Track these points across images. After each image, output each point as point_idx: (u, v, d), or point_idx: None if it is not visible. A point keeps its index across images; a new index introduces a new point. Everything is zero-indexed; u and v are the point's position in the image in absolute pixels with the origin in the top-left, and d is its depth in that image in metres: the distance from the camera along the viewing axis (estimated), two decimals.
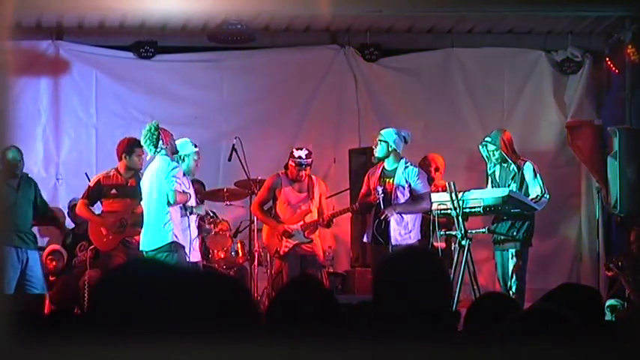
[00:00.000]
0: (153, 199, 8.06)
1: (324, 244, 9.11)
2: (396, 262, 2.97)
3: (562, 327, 2.58)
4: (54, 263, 9.53)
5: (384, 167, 8.44)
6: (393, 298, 2.82)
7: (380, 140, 8.41)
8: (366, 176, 8.58)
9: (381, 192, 8.23)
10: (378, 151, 8.41)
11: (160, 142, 8.04)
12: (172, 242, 7.92)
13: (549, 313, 2.59)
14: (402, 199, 8.31)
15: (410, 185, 8.34)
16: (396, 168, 8.39)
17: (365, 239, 8.48)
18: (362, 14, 10.10)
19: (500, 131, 8.93)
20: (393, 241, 8.25)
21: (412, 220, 8.36)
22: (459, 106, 10.81)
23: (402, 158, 8.42)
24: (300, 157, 8.69)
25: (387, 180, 8.36)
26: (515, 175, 8.76)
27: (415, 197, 8.36)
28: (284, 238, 8.67)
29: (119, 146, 8.68)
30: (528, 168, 8.79)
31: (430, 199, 8.40)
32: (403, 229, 8.29)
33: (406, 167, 8.41)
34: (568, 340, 2.56)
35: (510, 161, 8.81)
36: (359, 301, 8.34)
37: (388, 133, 8.44)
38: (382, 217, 8.21)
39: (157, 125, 8.14)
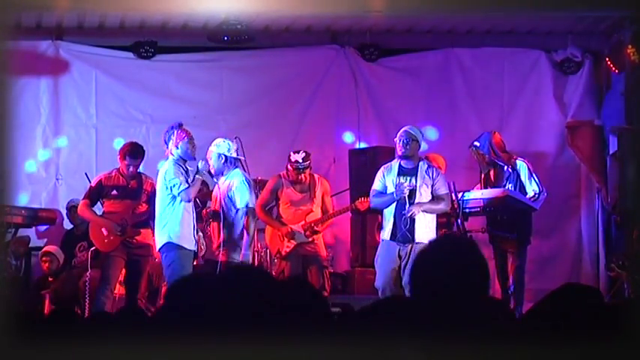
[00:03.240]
0: (156, 201, 8.12)
1: (324, 244, 9.08)
2: (437, 253, 2.92)
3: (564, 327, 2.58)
4: (47, 265, 9.55)
5: (401, 165, 8.31)
6: (434, 289, 2.78)
7: (412, 139, 8.27)
8: (380, 173, 8.39)
9: (408, 188, 8.12)
10: (410, 149, 8.21)
11: (170, 142, 8.04)
12: (167, 243, 7.95)
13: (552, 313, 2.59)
14: (424, 198, 8.22)
15: (432, 185, 8.24)
16: (417, 167, 8.28)
17: (385, 237, 8.28)
18: (362, 14, 10.09)
19: (490, 134, 8.93)
20: (417, 239, 8.14)
21: (433, 220, 8.27)
22: (459, 106, 10.81)
23: (421, 158, 8.37)
24: (297, 162, 8.65)
25: (410, 178, 8.25)
26: (510, 175, 8.77)
27: (437, 197, 8.25)
28: (286, 239, 8.65)
29: (120, 148, 8.69)
30: (522, 167, 8.80)
31: (449, 201, 8.33)
32: (425, 228, 8.21)
33: (429, 167, 8.31)
34: (571, 340, 2.57)
35: (502, 163, 8.81)
36: (359, 301, 8.34)
37: (418, 132, 8.33)
38: (409, 215, 8.12)
39: (176, 125, 8.12)
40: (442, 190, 8.24)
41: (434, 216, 8.28)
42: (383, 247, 8.34)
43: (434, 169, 8.29)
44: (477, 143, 8.89)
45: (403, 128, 8.36)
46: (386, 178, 8.30)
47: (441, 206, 8.25)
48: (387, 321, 2.71)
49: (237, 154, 8.38)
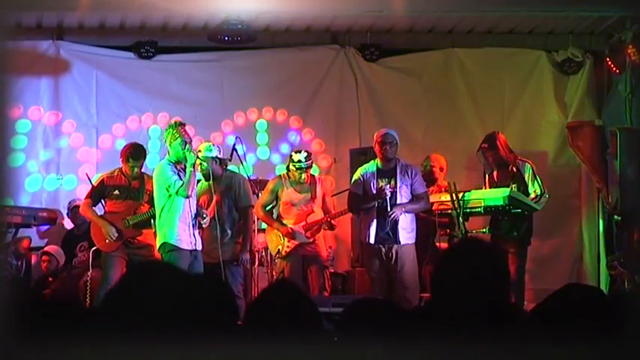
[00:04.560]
0: (155, 202, 8.14)
1: (325, 244, 9.08)
2: (459, 256, 2.91)
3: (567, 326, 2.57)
4: (45, 264, 9.56)
5: (379, 167, 8.39)
6: (458, 293, 2.77)
7: (395, 143, 8.39)
8: (359, 178, 8.50)
9: (389, 191, 8.19)
10: (394, 152, 8.40)
11: (166, 141, 8.07)
12: (163, 243, 7.96)
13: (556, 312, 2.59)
14: (404, 199, 8.30)
15: (411, 185, 8.33)
16: (394, 168, 8.37)
17: (371, 241, 8.39)
18: (362, 14, 10.09)
19: (495, 135, 8.94)
20: (402, 241, 8.24)
21: (412, 220, 8.37)
22: (460, 106, 10.80)
23: (398, 159, 8.45)
24: (299, 161, 8.65)
25: (389, 179, 8.34)
26: (513, 175, 8.77)
27: (416, 197, 8.36)
28: (287, 239, 8.65)
29: (122, 150, 8.67)
30: (527, 168, 8.81)
31: (429, 199, 8.44)
32: (407, 229, 8.29)
33: (407, 167, 8.42)
34: (574, 339, 2.56)
35: (509, 163, 8.82)
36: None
37: (396, 135, 8.46)
38: (391, 217, 8.19)
39: (173, 124, 8.11)
40: (420, 189, 8.39)
41: (412, 216, 8.37)
42: (368, 251, 8.42)
43: (411, 169, 8.42)
44: (484, 145, 8.89)
45: (383, 131, 8.47)
46: (365, 181, 8.36)
47: (422, 205, 8.39)
48: (358, 322, 2.72)
49: (225, 155, 8.45)
